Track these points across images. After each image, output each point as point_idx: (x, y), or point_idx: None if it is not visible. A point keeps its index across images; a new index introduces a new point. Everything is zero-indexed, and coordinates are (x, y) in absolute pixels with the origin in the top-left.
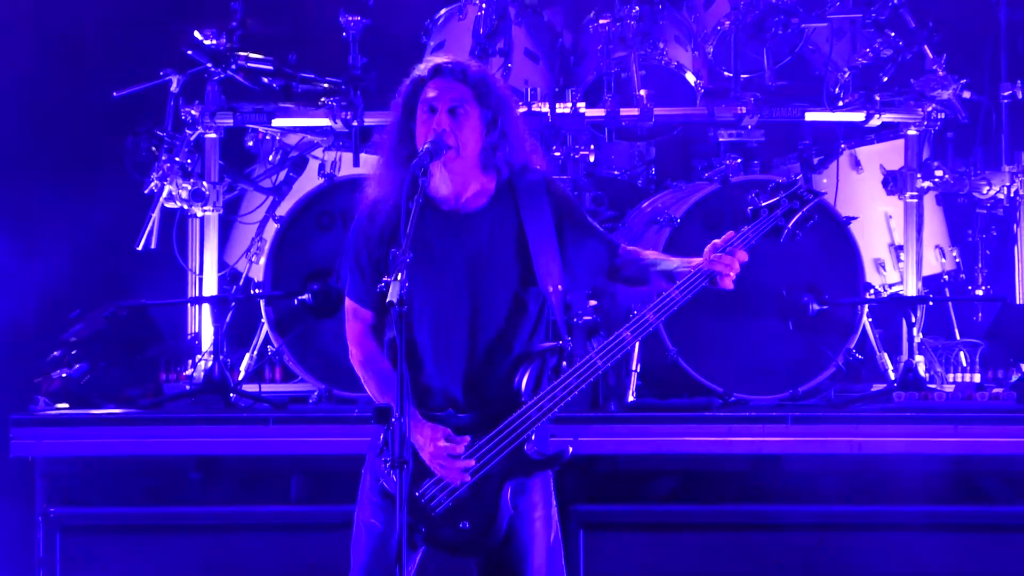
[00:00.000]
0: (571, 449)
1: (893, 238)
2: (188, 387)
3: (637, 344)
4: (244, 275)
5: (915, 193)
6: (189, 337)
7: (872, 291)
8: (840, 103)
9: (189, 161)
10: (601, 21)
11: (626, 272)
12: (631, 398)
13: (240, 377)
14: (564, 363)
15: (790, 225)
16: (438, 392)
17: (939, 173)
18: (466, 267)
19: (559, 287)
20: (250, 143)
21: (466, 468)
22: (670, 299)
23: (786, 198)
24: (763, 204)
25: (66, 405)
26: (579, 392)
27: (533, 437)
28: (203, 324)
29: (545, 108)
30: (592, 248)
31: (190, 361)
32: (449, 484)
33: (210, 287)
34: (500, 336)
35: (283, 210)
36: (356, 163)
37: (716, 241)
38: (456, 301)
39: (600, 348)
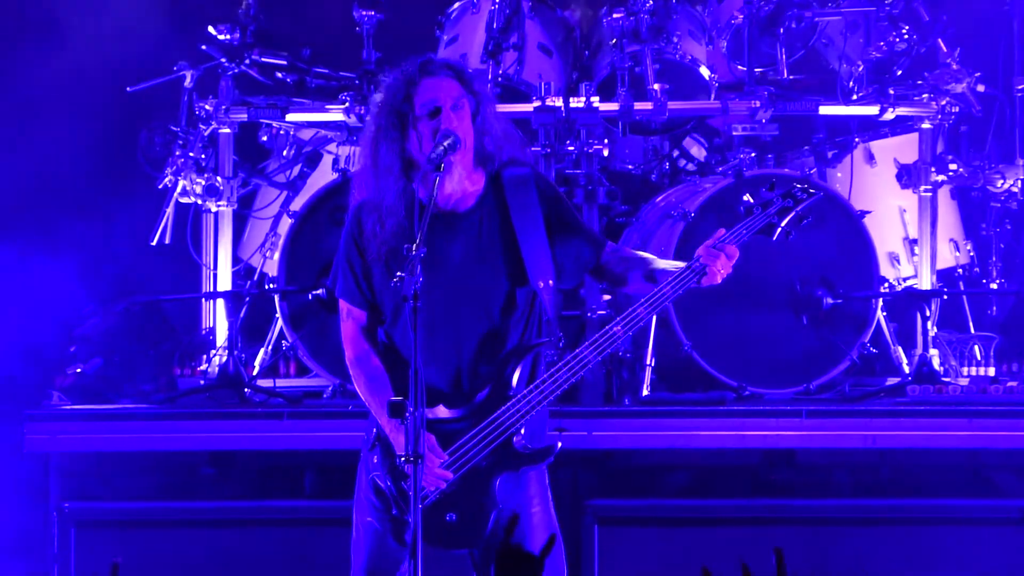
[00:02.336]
0: (560, 444)
1: (907, 232)
2: (202, 382)
3: (651, 338)
4: (258, 270)
5: (929, 187)
6: (203, 332)
7: (886, 285)
8: (854, 97)
9: (203, 156)
10: (615, 15)
11: (611, 271)
12: (645, 392)
13: (254, 372)
14: (555, 357)
15: (783, 223)
16: (429, 388)
17: (953, 167)
18: (457, 265)
19: (550, 282)
20: (264, 138)
21: (441, 476)
22: (661, 295)
23: (780, 196)
24: (756, 202)
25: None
26: (569, 386)
27: (523, 431)
28: (217, 319)
29: (559, 102)
30: (578, 246)
31: (204, 356)
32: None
33: (224, 282)
34: (491, 333)
35: (297, 205)
36: None
37: (708, 241)
38: (447, 299)
39: (590, 342)
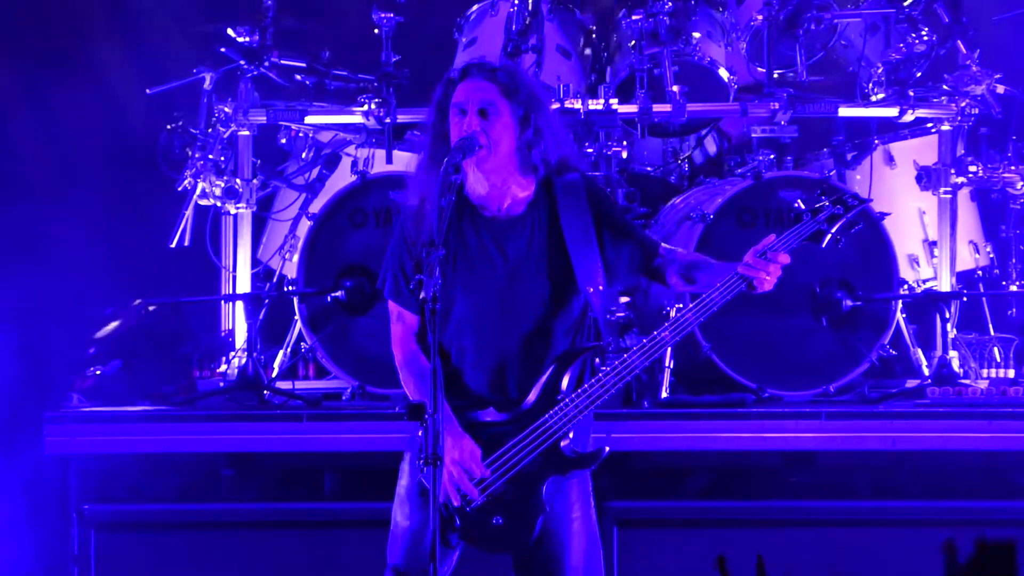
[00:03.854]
0: (608, 448)
1: (927, 233)
2: (222, 384)
3: None
4: (277, 272)
5: (949, 188)
6: (223, 334)
7: (906, 287)
8: (873, 98)
9: (222, 158)
10: (634, 17)
11: (663, 272)
12: (665, 395)
13: (273, 374)
14: (601, 362)
15: (833, 230)
16: (480, 393)
17: (973, 168)
18: (507, 271)
19: (600, 287)
20: (283, 140)
21: (479, 485)
22: (710, 300)
23: (830, 202)
24: (806, 208)
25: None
26: (616, 390)
27: (571, 435)
28: (237, 321)
29: (577, 104)
30: (631, 248)
31: (224, 358)
32: (485, 480)
33: (243, 284)
34: (542, 338)
35: (316, 207)
36: (389, 160)
37: (757, 246)
38: (498, 305)
39: (638, 347)
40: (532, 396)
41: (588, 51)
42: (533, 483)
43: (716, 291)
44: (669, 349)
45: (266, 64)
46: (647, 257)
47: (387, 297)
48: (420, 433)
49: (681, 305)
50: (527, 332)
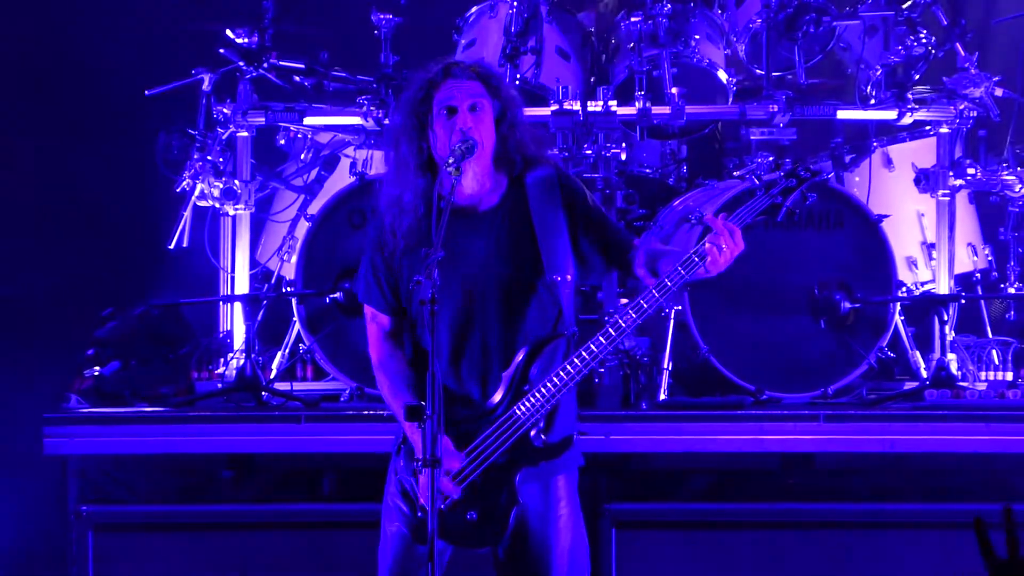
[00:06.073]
0: (578, 433)
1: (925, 236)
2: (220, 385)
3: (669, 342)
4: (276, 273)
5: (947, 191)
6: (221, 335)
7: (904, 289)
8: (872, 101)
9: (221, 159)
10: (633, 19)
11: (637, 266)
12: (663, 396)
13: (272, 375)
14: (568, 350)
15: (788, 203)
16: (454, 390)
17: (971, 171)
18: (480, 265)
19: (568, 277)
20: (282, 141)
21: (448, 488)
22: (669, 281)
23: (783, 176)
24: (760, 183)
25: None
26: (581, 378)
27: (541, 424)
28: (235, 322)
29: (576, 106)
30: (606, 241)
31: (222, 359)
32: (457, 475)
33: (242, 285)
34: (516, 331)
35: (315, 208)
36: None
37: (714, 224)
38: (471, 299)
39: (602, 332)
40: (500, 389)
41: (587, 53)
42: (505, 476)
43: (675, 272)
44: (668, 351)
45: (265, 65)
46: (622, 250)
47: (360, 300)
48: (402, 433)
49: (680, 307)
50: (501, 327)
